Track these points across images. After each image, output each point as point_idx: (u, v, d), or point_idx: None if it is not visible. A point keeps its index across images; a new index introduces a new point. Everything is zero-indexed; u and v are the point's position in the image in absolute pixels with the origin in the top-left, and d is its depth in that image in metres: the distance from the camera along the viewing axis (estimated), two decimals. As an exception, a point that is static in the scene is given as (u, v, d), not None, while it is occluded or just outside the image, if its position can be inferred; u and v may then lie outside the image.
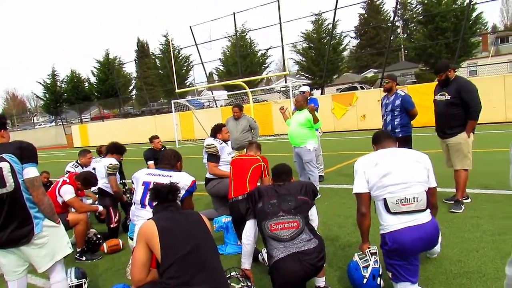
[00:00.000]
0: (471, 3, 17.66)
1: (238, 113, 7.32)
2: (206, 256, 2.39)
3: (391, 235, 2.84)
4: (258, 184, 4.41)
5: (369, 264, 3.06)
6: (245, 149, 7.44)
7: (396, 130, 5.91)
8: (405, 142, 5.95)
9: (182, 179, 3.51)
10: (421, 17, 26.17)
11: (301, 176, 6.52)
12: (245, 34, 28.46)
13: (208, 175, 5.46)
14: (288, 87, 17.01)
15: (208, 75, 29.31)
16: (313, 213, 3.15)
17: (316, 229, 3.08)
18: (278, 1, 19.01)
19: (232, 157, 5.41)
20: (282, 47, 18.88)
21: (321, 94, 23.00)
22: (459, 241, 3.93)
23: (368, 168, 2.94)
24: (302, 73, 30.51)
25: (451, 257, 3.59)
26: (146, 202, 3.48)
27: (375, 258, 3.07)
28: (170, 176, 3.46)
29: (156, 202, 2.63)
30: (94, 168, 5.71)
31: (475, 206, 4.95)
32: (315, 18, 29.50)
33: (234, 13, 23.08)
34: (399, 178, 2.85)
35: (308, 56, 28.81)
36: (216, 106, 25.38)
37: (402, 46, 40.19)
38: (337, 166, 8.81)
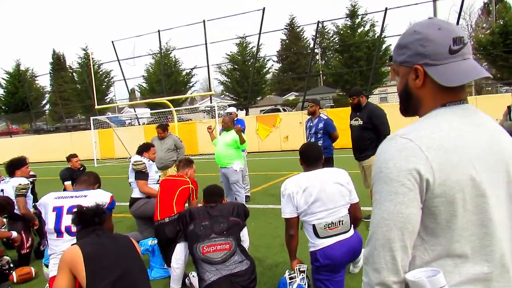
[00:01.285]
0: (382, 37, 19.36)
1: (161, 134, 7.20)
2: (135, 281, 2.29)
3: (322, 251, 2.97)
4: (186, 206, 4.35)
5: (295, 281, 3.15)
6: (168, 169, 7.32)
7: (319, 152, 6.23)
8: (327, 163, 6.29)
9: (99, 196, 3.31)
10: (338, 46, 28.05)
11: (228, 196, 6.54)
12: (169, 52, 28.18)
13: (134, 195, 5.24)
14: (214, 107, 17.07)
15: (130, 91, 28.40)
16: (244, 234, 3.18)
17: (247, 250, 3.11)
18: (204, 22, 19.19)
19: (159, 176, 5.29)
20: (208, 68, 19.08)
21: (246, 115, 23.42)
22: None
23: (297, 193, 3.00)
24: (227, 94, 30.87)
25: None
26: (63, 229, 3.20)
27: (302, 275, 3.17)
28: (85, 196, 3.26)
29: (80, 227, 2.47)
30: (2, 190, 5.20)
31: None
32: (240, 40, 30.21)
33: (159, 31, 22.82)
34: (326, 205, 2.97)
35: (233, 77, 29.27)
36: (139, 124, 24.60)
37: (320, 72, 42.56)
38: (263, 186, 8.98)
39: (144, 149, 5.31)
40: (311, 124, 6.37)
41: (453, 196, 1.02)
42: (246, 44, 30.26)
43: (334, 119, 6.41)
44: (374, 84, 25.72)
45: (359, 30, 27.23)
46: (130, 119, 30.49)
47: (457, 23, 17.69)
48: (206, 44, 19.63)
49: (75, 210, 2.52)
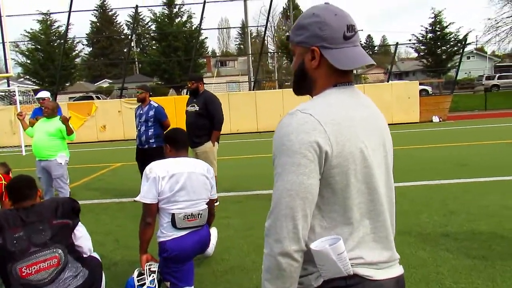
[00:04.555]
0: (200, 29, 19.81)
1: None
2: None
3: (172, 242, 2.83)
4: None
5: (145, 283, 2.91)
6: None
7: (150, 141, 5.96)
8: (159, 152, 6.07)
9: None
10: (155, 34, 27.53)
11: (47, 194, 5.66)
12: None
13: None
14: (13, 91, 14.55)
15: None
16: (82, 233, 2.73)
17: (89, 251, 2.71)
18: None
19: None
20: (4, 45, 16.14)
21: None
22: (219, 241, 4.28)
23: (163, 178, 2.78)
24: (27, 77, 26.82)
25: (216, 257, 3.86)
26: None
27: (152, 276, 2.94)
28: None
29: None
30: None
31: (224, 208, 5.52)
32: (43, 17, 26.56)
33: None
34: (190, 195, 2.85)
35: (35, 58, 25.58)
36: None
37: (136, 60, 41.05)
38: (83, 180, 8.12)
39: None
40: (141, 112, 6.04)
41: (347, 167, 1.10)
42: (51, 22, 26.83)
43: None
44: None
45: (176, 20, 27.30)
46: None
47: (266, 23, 19.50)
48: (0, 16, 16.47)
49: None
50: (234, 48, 72.56)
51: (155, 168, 2.85)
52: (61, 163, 5.41)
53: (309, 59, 1.18)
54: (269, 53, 38.49)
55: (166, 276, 2.90)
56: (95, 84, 47.76)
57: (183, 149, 3.09)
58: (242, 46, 70.60)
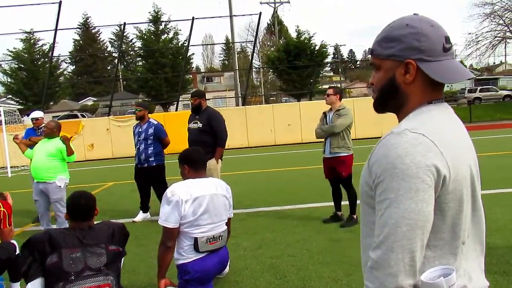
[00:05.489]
0: (188, 45, 19.80)
1: None
2: None
3: (194, 264, 2.73)
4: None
5: None
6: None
7: (150, 159, 5.84)
8: (159, 170, 5.94)
9: None
10: (141, 51, 27.40)
11: (43, 218, 5.42)
12: None
13: None
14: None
15: None
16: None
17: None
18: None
19: None
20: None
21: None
22: (230, 262, 4.15)
23: (186, 202, 2.67)
24: (10, 96, 26.29)
25: (229, 279, 3.72)
26: None
27: (175, 300, 2.81)
28: None
29: None
30: None
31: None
32: (26, 36, 26.23)
33: None
34: (212, 218, 2.76)
35: (18, 77, 25.13)
36: None
37: (121, 77, 40.78)
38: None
39: None
40: (140, 130, 5.91)
41: (461, 192, 1.02)
42: (34, 40, 26.50)
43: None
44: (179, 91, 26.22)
45: (163, 37, 27.27)
46: None
47: (255, 38, 19.63)
48: (-17, 35, 16.18)
49: None
50: (218, 64, 73.00)
51: (178, 191, 2.73)
52: (60, 186, 5.20)
53: (401, 74, 1.08)
54: (256, 68, 38.71)
55: (186, 299, 2.76)
56: (79, 102, 47.17)
57: (201, 168, 3.00)
58: (226, 61, 71.07)
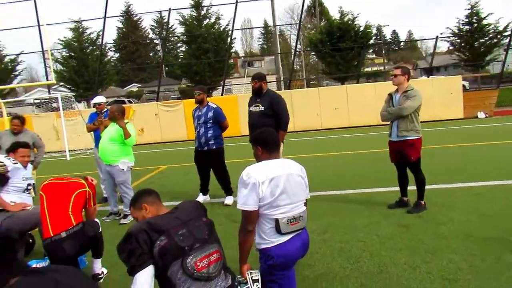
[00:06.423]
0: (233, 29, 19.76)
1: (19, 127, 5.79)
2: None
3: (278, 248, 2.69)
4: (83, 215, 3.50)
5: None
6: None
7: (210, 142, 5.88)
8: (218, 153, 5.99)
9: None
10: (184, 36, 27.63)
11: (110, 198, 5.64)
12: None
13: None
14: (55, 98, 14.84)
15: None
16: None
17: None
18: (35, 0, 16.50)
19: (31, 185, 4.18)
20: (43, 53, 16.53)
21: (89, 107, 21.18)
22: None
23: (263, 183, 2.64)
24: (62, 84, 27.42)
25: (301, 262, 3.70)
26: None
27: (256, 285, 2.80)
28: None
29: None
30: None
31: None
32: (75, 25, 27.12)
33: (-29, 6, 18.62)
34: (291, 198, 2.70)
35: (69, 65, 26.12)
36: None
37: (166, 63, 41.39)
38: (135, 184, 8.08)
39: (8, 149, 4.17)
40: (200, 113, 5.96)
41: None
42: (82, 29, 27.36)
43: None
44: (222, 76, 26.34)
45: (205, 22, 27.33)
46: None
47: (299, 21, 19.26)
48: (39, 25, 16.90)
49: None
50: (257, 48, 72.60)
51: (253, 173, 2.70)
52: (123, 169, 5.35)
53: None
54: (298, 52, 38.17)
55: (270, 284, 2.75)
56: (125, 89, 48.59)
57: (275, 150, 2.94)
58: (265, 45, 70.56)
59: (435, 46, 19.73)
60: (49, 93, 18.15)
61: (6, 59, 24.28)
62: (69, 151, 13.69)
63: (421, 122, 4.96)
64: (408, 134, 4.79)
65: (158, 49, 56.72)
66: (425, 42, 70.54)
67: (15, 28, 19.36)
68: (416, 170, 4.92)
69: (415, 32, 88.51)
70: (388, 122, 5.05)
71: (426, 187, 4.98)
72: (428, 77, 19.10)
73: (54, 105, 18.19)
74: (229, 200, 5.97)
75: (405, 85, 4.87)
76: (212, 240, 2.45)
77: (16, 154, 4.19)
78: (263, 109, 5.24)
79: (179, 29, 31.51)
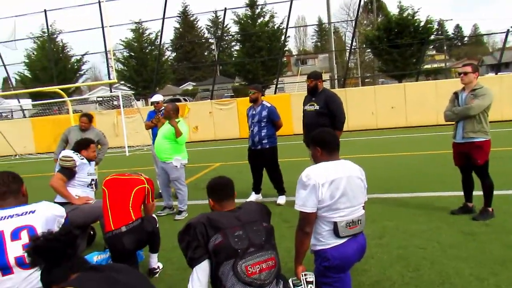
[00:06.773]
0: (287, 27, 19.67)
1: (86, 124, 6.14)
2: None
3: (334, 250, 2.61)
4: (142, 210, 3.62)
5: None
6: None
7: (263, 141, 5.86)
8: (272, 153, 5.96)
9: (51, 210, 2.50)
10: (239, 35, 27.93)
11: (164, 194, 5.82)
12: (55, 36, 25.11)
13: (57, 200, 4.25)
14: (116, 96, 15.59)
15: (3, 80, 24.71)
16: None
17: None
18: (100, 3, 17.39)
19: (93, 180, 4.39)
20: (106, 53, 17.38)
21: (146, 105, 22.06)
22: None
23: (323, 185, 2.58)
24: (123, 82, 28.80)
25: (356, 267, 3.57)
26: (12, 262, 2.23)
27: (311, 287, 2.74)
28: (32, 212, 2.38)
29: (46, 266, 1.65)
30: None
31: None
32: (135, 26, 28.35)
33: (45, 11, 19.96)
34: (351, 201, 2.62)
35: (130, 65, 27.36)
36: (24, 116, 21.48)
37: (221, 62, 42.16)
38: (189, 180, 8.29)
39: (81, 146, 4.43)
40: (254, 112, 5.96)
41: None
42: (142, 30, 28.55)
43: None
44: (275, 75, 26.32)
45: (259, 20, 27.45)
46: (6, 111, 26.59)
47: (356, 18, 18.76)
48: (103, 27, 17.80)
49: (32, 243, 1.66)
50: (311, 46, 71.85)
51: (313, 174, 2.63)
52: (176, 166, 5.50)
53: None
54: (353, 49, 37.33)
55: (324, 286, 2.68)
56: (180, 87, 50.10)
57: (335, 151, 2.84)
58: (319, 43, 69.64)
59: (505, 40, 18.34)
60: (111, 92, 19.08)
61: (73, 59, 25.87)
62: (128, 147, 14.31)
63: (490, 122, 4.61)
64: (475, 135, 4.48)
65: (213, 48, 57.87)
66: (492, 36, 66.19)
67: (82, 30, 20.53)
68: (484, 174, 4.59)
69: (481, 26, 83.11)
70: (452, 123, 4.76)
71: (494, 192, 4.64)
72: (496, 74, 17.86)
73: (115, 103, 19.14)
74: (281, 199, 5.93)
75: (474, 83, 4.55)
76: (269, 246, 2.39)
77: (89, 150, 4.45)
78: (318, 108, 5.14)
79: (234, 28, 31.95)
